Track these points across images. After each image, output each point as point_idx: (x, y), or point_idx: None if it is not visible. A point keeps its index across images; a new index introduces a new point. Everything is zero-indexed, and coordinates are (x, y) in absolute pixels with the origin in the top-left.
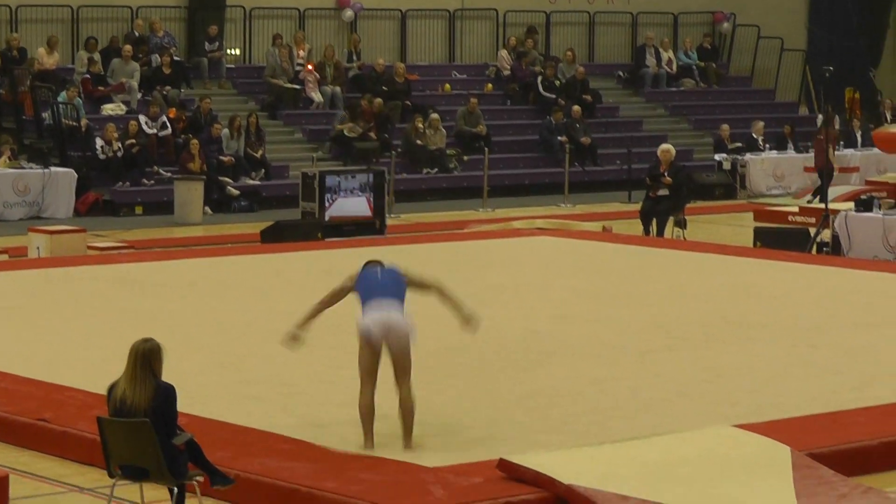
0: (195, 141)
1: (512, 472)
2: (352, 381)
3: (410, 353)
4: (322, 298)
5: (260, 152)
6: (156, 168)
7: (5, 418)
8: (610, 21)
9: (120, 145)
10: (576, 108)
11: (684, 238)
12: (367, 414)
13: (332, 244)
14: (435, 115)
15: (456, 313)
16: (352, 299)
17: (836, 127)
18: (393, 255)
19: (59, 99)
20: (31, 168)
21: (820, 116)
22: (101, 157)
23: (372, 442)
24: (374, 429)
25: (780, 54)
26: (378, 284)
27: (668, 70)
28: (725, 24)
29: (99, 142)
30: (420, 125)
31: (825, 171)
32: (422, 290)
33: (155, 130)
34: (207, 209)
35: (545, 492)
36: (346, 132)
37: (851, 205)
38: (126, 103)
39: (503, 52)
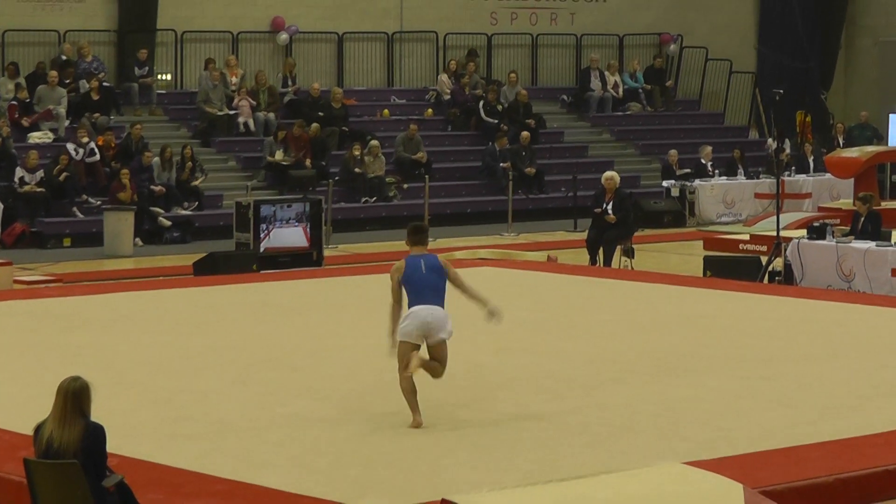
0: (125, 170)
1: None
2: (289, 418)
3: (446, 347)
4: (393, 301)
5: (198, 181)
6: (84, 197)
7: None
8: (553, 43)
9: (43, 175)
10: (524, 134)
11: (632, 267)
12: (410, 391)
13: (268, 276)
14: (374, 142)
15: (481, 307)
16: None
17: (787, 151)
18: (331, 287)
19: None
20: None
21: (770, 140)
22: (19, 190)
23: (419, 417)
24: (418, 403)
25: (728, 76)
26: (423, 279)
27: (614, 94)
28: (672, 46)
29: (19, 172)
30: (358, 152)
31: None
32: (454, 284)
33: (82, 157)
34: (138, 241)
35: None
36: (279, 160)
37: (804, 232)
38: (54, 131)
39: (443, 77)
